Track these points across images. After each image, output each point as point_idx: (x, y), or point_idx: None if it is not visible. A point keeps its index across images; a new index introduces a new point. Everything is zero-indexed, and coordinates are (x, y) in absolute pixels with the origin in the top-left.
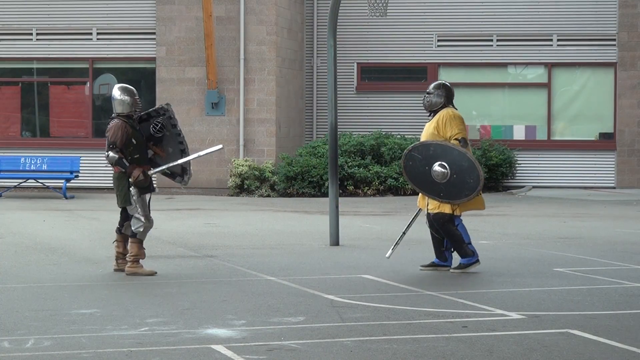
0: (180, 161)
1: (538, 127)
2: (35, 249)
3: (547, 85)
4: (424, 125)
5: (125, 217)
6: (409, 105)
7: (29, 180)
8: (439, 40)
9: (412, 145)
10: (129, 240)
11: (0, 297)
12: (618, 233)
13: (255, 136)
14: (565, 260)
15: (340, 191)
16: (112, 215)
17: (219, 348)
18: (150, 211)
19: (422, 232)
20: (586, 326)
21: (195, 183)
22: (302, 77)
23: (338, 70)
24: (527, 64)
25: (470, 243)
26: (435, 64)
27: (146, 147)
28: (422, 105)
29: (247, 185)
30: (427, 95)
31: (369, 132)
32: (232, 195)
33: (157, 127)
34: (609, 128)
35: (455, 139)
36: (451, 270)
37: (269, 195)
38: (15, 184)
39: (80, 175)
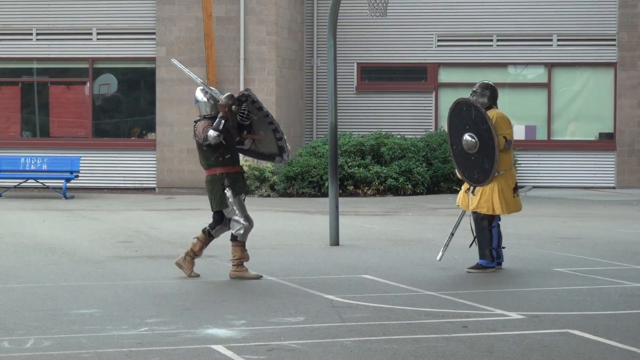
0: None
1: (538, 127)
2: (35, 249)
3: (547, 85)
4: (424, 125)
5: (218, 220)
6: (409, 105)
7: (29, 180)
8: (439, 40)
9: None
10: (231, 244)
11: (0, 297)
12: (618, 233)
13: None
14: (565, 260)
15: (340, 191)
16: (112, 215)
17: (219, 348)
18: (248, 211)
19: (422, 232)
20: (586, 326)
21: (195, 183)
22: (302, 77)
23: (338, 70)
24: (527, 64)
25: (495, 249)
26: (435, 64)
27: (236, 145)
28: (421, 105)
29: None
30: (473, 93)
31: (369, 132)
32: None
33: (244, 115)
34: (609, 128)
35: (504, 137)
36: (467, 270)
37: (269, 195)
38: (15, 184)
39: (80, 175)
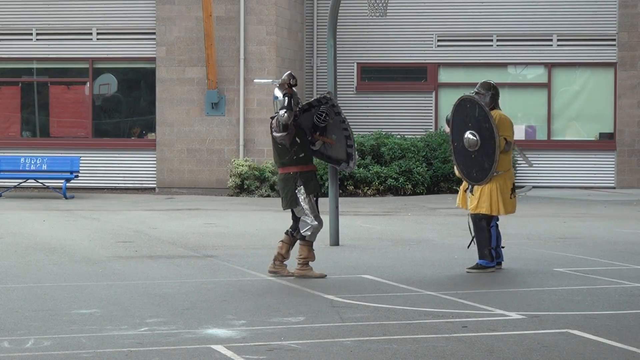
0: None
1: (538, 127)
2: (35, 249)
3: (547, 85)
4: (424, 125)
5: (297, 219)
6: (409, 105)
7: (29, 180)
8: (439, 40)
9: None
10: (299, 243)
11: (0, 297)
12: (618, 233)
13: (255, 136)
14: (565, 260)
15: (340, 191)
16: (112, 215)
17: (219, 348)
18: (319, 212)
19: (422, 232)
20: (586, 326)
21: (195, 183)
22: (302, 77)
23: (338, 70)
24: (527, 64)
25: (494, 248)
26: (435, 64)
27: (310, 144)
28: (421, 105)
29: (247, 185)
30: (476, 94)
31: (369, 132)
32: (232, 195)
33: (322, 117)
34: (609, 128)
35: (505, 139)
36: (467, 270)
37: (269, 195)
38: (15, 184)
39: (80, 175)
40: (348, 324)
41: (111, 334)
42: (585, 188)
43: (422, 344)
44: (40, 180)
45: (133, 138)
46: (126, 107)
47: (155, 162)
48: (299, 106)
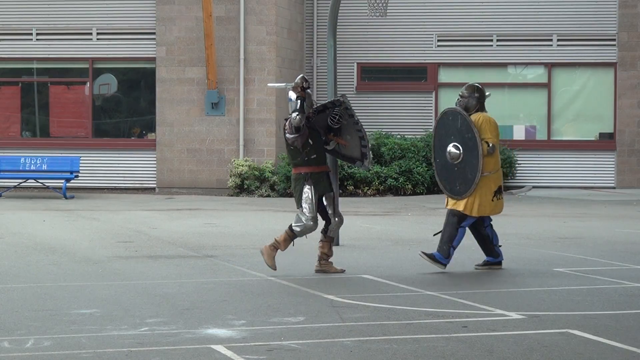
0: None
1: (538, 127)
2: (35, 249)
3: (547, 85)
4: (424, 125)
5: (326, 216)
6: (409, 105)
7: (29, 180)
8: (439, 40)
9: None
10: (285, 229)
11: (0, 297)
12: (618, 233)
13: (255, 136)
14: (565, 260)
15: (340, 191)
16: (112, 215)
17: (219, 348)
18: (337, 211)
19: (422, 232)
20: (586, 326)
21: (195, 183)
22: None
23: (338, 70)
24: (527, 64)
25: (455, 248)
26: (435, 64)
27: (323, 145)
28: (421, 105)
29: (247, 185)
30: (461, 98)
31: (369, 132)
32: (232, 196)
33: (336, 119)
34: (609, 128)
35: (486, 142)
36: (475, 267)
37: (269, 195)
38: (15, 184)
39: (80, 175)
40: (348, 324)
41: (111, 334)
42: (585, 188)
43: (422, 344)
44: (40, 180)
45: (133, 138)
46: (126, 107)
47: (155, 162)
48: (313, 107)
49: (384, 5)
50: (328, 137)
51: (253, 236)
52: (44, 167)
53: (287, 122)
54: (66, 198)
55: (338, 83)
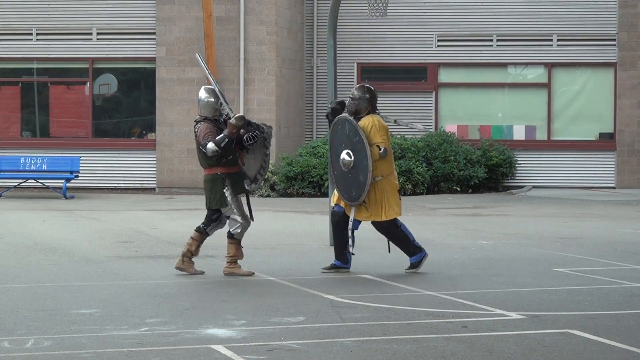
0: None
1: (538, 127)
2: (35, 249)
3: (547, 85)
4: (424, 125)
5: (214, 218)
6: (409, 105)
7: (29, 180)
8: (439, 40)
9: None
10: (228, 241)
11: (0, 297)
12: (618, 233)
13: None
14: (565, 260)
15: None
16: (112, 215)
17: (219, 348)
18: (251, 211)
19: (422, 232)
20: (586, 326)
21: (195, 183)
22: (302, 77)
23: (338, 70)
24: (527, 64)
25: (414, 241)
26: (435, 64)
27: (234, 149)
28: (421, 105)
29: None
30: (352, 100)
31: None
32: None
33: (251, 141)
34: (609, 128)
35: (377, 147)
36: (406, 271)
37: (269, 195)
38: (15, 184)
39: (80, 175)
40: (348, 324)
41: (111, 334)
42: (585, 188)
43: (422, 344)
44: (40, 180)
45: (133, 138)
46: (126, 107)
47: (155, 162)
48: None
49: (384, 5)
50: (235, 149)
51: (252, 236)
52: (44, 167)
53: (199, 127)
54: (66, 198)
55: (338, 83)
